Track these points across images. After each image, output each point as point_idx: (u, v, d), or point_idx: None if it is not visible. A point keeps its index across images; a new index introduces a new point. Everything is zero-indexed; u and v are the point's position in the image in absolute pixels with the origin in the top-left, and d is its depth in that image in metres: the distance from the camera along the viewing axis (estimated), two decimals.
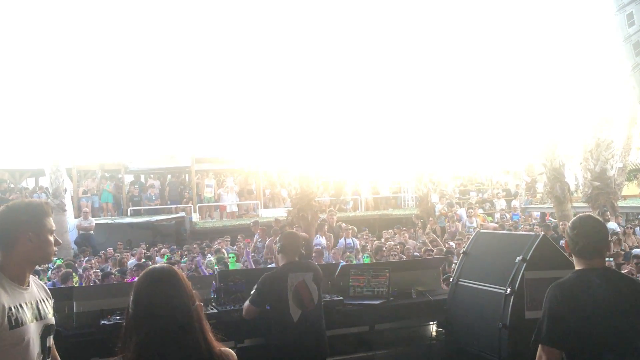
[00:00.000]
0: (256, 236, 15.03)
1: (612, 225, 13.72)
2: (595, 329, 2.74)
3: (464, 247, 6.14)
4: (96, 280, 9.86)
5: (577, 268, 2.98)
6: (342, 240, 14.20)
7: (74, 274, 10.02)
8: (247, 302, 4.60)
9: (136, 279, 2.17)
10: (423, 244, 13.06)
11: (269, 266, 10.83)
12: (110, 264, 12.42)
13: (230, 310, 4.97)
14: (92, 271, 10.65)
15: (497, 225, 16.85)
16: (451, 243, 12.92)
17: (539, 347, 2.84)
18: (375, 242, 14.22)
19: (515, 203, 21.49)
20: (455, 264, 6.80)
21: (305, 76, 16.27)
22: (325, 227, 14.67)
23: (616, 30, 11.69)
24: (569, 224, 3.06)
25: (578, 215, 3.10)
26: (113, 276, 10.09)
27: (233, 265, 11.36)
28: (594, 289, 2.81)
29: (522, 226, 16.29)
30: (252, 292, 4.58)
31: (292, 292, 4.46)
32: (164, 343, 1.99)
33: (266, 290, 4.51)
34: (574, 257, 3.01)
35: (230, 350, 2.17)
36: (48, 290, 2.76)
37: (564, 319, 2.77)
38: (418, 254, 11.55)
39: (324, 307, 5.05)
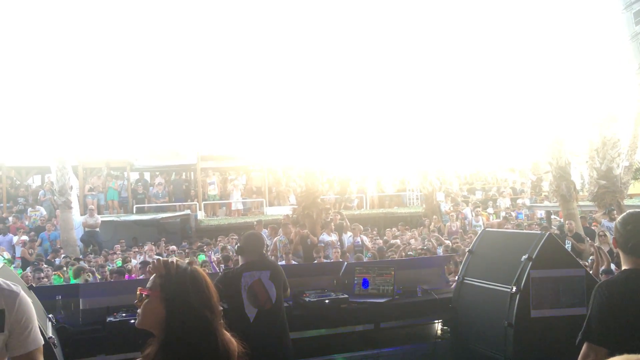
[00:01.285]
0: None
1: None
2: None
3: (469, 246, 6.13)
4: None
5: (625, 267, 2.89)
6: (350, 239, 14.25)
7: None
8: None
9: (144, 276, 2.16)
10: (422, 242, 13.04)
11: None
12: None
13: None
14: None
15: (500, 220, 16.81)
16: (447, 241, 12.96)
17: (586, 345, 2.79)
18: (379, 241, 14.26)
19: (525, 201, 21.42)
20: (461, 262, 6.80)
21: (310, 74, 16.26)
22: (332, 225, 14.71)
23: (623, 28, 11.66)
24: (619, 219, 2.94)
25: (630, 211, 2.98)
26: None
27: None
28: None
29: (525, 225, 16.25)
30: None
31: (247, 291, 4.37)
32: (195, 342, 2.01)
33: (221, 286, 4.45)
34: (622, 255, 2.90)
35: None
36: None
37: (614, 318, 2.72)
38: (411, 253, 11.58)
39: (329, 304, 5.05)
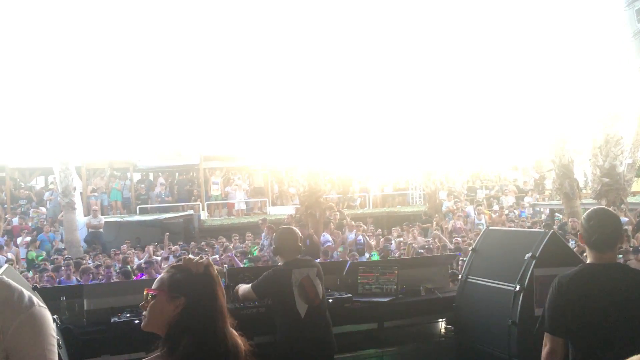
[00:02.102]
0: (263, 234, 15.09)
1: (623, 220, 13.70)
2: (598, 319, 2.82)
3: (473, 244, 6.13)
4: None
5: (588, 261, 3.02)
6: (352, 237, 14.27)
7: None
8: (247, 286, 4.60)
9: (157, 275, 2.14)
10: (425, 242, 13.03)
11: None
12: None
13: (240, 307, 4.98)
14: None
15: (499, 216, 16.80)
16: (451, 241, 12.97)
17: (545, 335, 2.96)
18: (382, 240, 14.26)
19: (529, 199, 21.40)
20: (464, 260, 6.79)
21: (313, 74, 16.27)
22: (331, 225, 14.73)
23: (625, 26, 11.61)
24: (584, 215, 3.07)
25: (593, 208, 3.12)
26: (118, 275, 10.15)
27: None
28: (600, 280, 2.86)
29: (529, 224, 16.23)
30: (257, 280, 4.59)
31: (298, 288, 4.45)
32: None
33: (270, 283, 4.51)
34: (587, 250, 3.03)
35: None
36: None
37: (565, 308, 2.86)
38: (422, 252, 11.58)
39: (332, 304, 5.05)
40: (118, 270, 10.71)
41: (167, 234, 15.80)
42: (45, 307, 1.90)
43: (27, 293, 1.92)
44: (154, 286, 2.08)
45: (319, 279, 4.56)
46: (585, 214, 3.06)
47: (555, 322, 2.90)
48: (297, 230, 4.87)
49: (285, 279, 4.48)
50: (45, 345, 1.89)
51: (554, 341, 2.91)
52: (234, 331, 2.12)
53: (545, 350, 2.94)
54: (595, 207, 3.17)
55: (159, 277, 2.13)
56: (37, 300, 1.89)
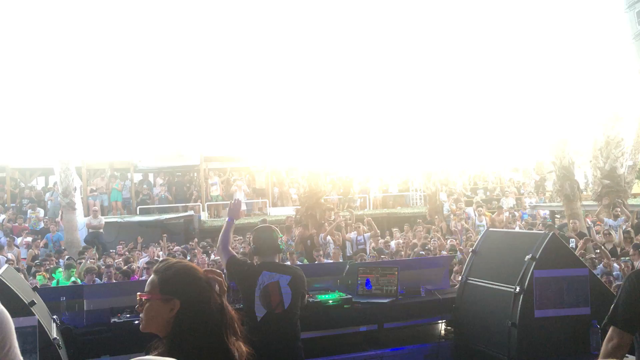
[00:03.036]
0: None
1: (620, 220, 13.73)
2: None
3: (473, 246, 6.12)
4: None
5: None
6: (353, 237, 14.28)
7: None
8: (228, 255, 4.50)
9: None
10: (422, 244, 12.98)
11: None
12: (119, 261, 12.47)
13: (239, 308, 4.97)
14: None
15: (497, 215, 16.78)
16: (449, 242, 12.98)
17: (611, 329, 2.91)
18: (380, 241, 14.28)
19: (531, 201, 21.39)
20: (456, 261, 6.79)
21: (313, 75, 16.28)
22: (326, 225, 14.73)
23: (626, 28, 11.64)
24: None
25: None
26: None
27: None
28: None
29: (529, 226, 16.21)
30: (235, 259, 4.50)
31: (262, 291, 4.29)
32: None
33: (238, 272, 4.39)
34: None
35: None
36: None
37: (638, 304, 2.83)
38: (422, 253, 11.58)
39: (332, 305, 5.03)
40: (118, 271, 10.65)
41: (165, 235, 15.75)
42: (3, 307, 1.95)
43: None
44: (145, 289, 2.06)
45: (290, 288, 4.34)
46: None
47: (628, 317, 2.87)
48: (276, 229, 4.65)
49: (252, 278, 4.35)
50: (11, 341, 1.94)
51: (622, 336, 2.87)
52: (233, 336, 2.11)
53: (611, 345, 2.89)
54: None
55: (149, 279, 2.10)
56: None
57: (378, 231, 14.72)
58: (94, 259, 12.97)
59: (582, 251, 10.00)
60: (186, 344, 1.94)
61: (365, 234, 14.33)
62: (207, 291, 2.03)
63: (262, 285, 4.30)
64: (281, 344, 4.26)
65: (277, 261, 4.55)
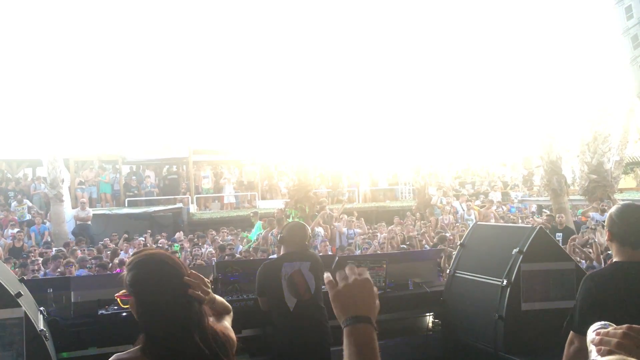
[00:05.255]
0: (256, 225, 15.13)
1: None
2: (632, 320, 2.70)
3: (461, 239, 6.16)
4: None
5: (616, 259, 2.90)
6: (345, 230, 14.31)
7: None
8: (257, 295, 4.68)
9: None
10: (409, 238, 12.96)
11: (271, 257, 10.83)
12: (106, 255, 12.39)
13: (229, 300, 4.97)
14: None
15: (486, 209, 16.87)
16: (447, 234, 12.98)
17: (571, 334, 2.86)
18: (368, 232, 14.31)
19: (516, 195, 21.52)
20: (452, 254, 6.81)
21: (302, 68, 16.24)
22: (322, 218, 14.74)
23: (615, 23, 11.69)
24: (616, 211, 2.92)
25: (625, 203, 3.01)
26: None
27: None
28: (631, 280, 2.76)
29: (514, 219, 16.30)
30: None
31: (287, 281, 4.44)
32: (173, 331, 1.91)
33: (262, 279, 4.55)
34: (614, 246, 2.90)
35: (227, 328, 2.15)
36: None
37: (595, 309, 2.76)
38: (405, 247, 11.58)
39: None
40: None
41: (149, 231, 15.65)
42: None
43: None
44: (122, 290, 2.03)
45: (312, 273, 4.51)
46: (618, 210, 2.91)
47: (586, 321, 2.74)
48: (309, 229, 4.87)
49: (274, 272, 4.49)
50: None
51: (582, 340, 2.68)
52: (219, 325, 2.09)
53: (572, 349, 2.84)
54: (627, 202, 3.05)
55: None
56: None
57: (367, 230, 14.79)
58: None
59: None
60: (148, 341, 1.91)
61: (355, 229, 14.37)
62: (165, 286, 1.94)
63: (287, 276, 4.45)
64: (316, 327, 4.44)
65: (296, 249, 4.63)
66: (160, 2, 17.89)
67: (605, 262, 8.35)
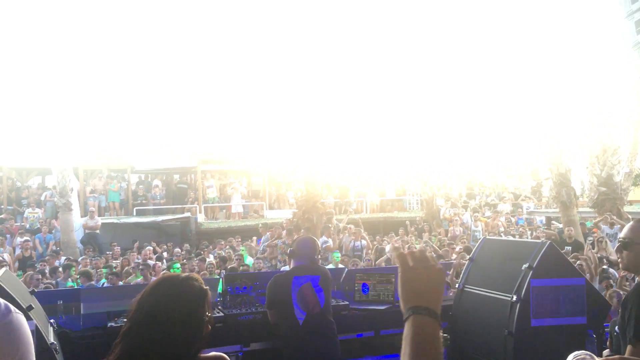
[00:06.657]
0: (264, 237, 15.14)
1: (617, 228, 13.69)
2: None
3: (470, 254, 6.13)
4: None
5: None
6: (351, 243, 14.31)
7: None
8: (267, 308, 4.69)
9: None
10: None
11: (282, 269, 10.80)
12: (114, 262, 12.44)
13: (236, 313, 4.99)
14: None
15: (492, 220, 16.82)
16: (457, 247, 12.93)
17: (629, 348, 2.77)
18: (375, 244, 14.30)
19: (526, 206, 21.44)
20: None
21: (311, 79, 16.29)
22: (331, 228, 14.75)
23: (624, 36, 11.69)
24: None
25: None
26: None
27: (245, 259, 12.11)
28: None
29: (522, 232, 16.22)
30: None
31: (298, 295, 4.45)
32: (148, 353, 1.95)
33: (271, 292, 4.55)
34: None
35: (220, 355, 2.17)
36: None
37: None
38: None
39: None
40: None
41: (154, 243, 15.69)
42: (22, 313, 1.74)
43: (2, 301, 1.72)
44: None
45: (322, 287, 4.52)
46: None
47: None
48: (319, 242, 4.91)
49: (284, 285, 4.49)
50: (24, 353, 1.69)
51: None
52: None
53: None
54: None
55: None
56: (13, 308, 1.73)
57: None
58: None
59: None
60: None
61: (362, 241, 14.36)
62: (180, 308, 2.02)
63: (297, 289, 4.46)
64: (325, 341, 4.44)
65: (306, 263, 4.65)
66: (170, 12, 18.00)
67: (601, 278, 8.25)
